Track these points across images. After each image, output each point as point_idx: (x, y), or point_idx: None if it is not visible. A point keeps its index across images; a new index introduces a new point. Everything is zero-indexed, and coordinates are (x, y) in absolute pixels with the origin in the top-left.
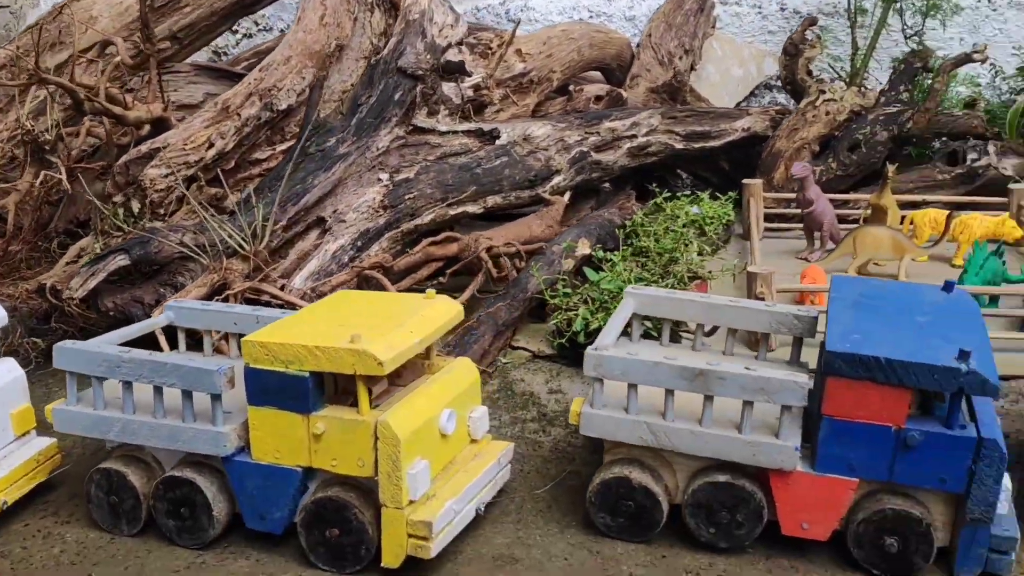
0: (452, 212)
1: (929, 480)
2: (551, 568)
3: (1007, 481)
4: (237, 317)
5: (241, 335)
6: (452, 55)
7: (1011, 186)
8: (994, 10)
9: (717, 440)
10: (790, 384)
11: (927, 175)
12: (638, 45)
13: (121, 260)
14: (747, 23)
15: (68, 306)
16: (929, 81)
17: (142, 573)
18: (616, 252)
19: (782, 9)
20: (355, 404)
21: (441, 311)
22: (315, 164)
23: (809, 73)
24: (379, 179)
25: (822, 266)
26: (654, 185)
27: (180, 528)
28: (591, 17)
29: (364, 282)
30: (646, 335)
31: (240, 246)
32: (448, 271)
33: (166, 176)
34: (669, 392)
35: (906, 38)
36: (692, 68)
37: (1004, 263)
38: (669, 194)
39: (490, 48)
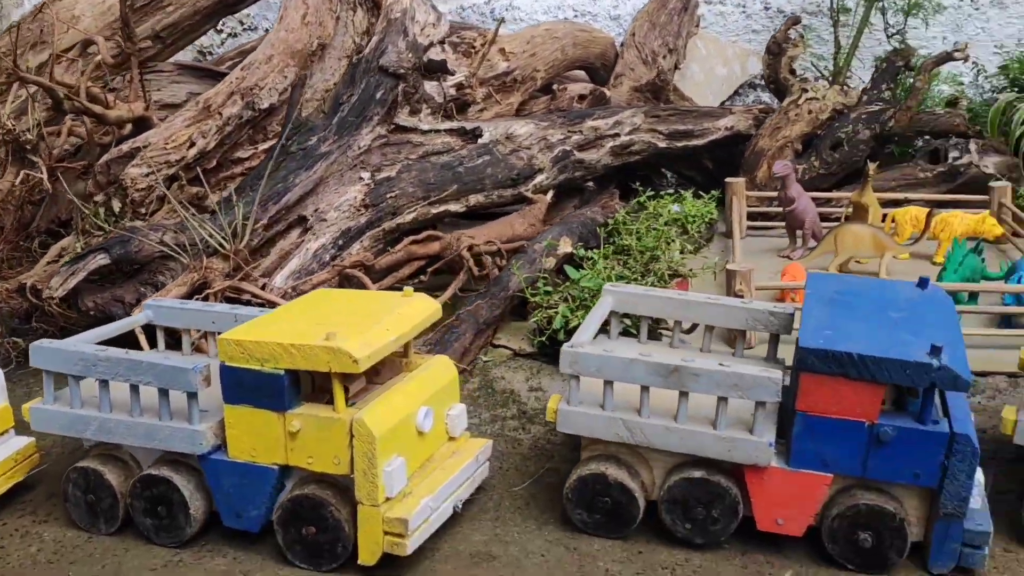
0: (434, 211)
1: (903, 475)
2: (528, 565)
3: (980, 476)
4: (215, 316)
5: (220, 334)
6: (434, 54)
7: (992, 184)
8: (976, 9)
9: (692, 436)
10: (763, 380)
11: (909, 173)
12: (622, 44)
13: (101, 259)
14: (731, 22)
15: (48, 305)
16: (911, 80)
17: (120, 572)
18: (597, 250)
19: (766, 8)
20: (332, 402)
21: (418, 309)
22: (296, 163)
23: (792, 72)
24: (361, 178)
25: (804, 264)
26: (638, 184)
27: (157, 526)
28: (576, 16)
29: (345, 281)
30: (625, 332)
31: (220, 245)
32: (430, 270)
33: (147, 175)
34: (644, 389)
35: (888, 37)
36: (676, 67)
37: (983, 260)
38: (652, 193)
39: (473, 47)
